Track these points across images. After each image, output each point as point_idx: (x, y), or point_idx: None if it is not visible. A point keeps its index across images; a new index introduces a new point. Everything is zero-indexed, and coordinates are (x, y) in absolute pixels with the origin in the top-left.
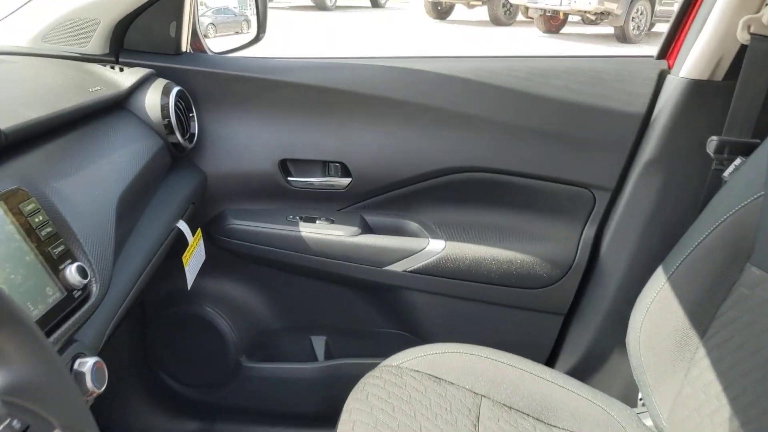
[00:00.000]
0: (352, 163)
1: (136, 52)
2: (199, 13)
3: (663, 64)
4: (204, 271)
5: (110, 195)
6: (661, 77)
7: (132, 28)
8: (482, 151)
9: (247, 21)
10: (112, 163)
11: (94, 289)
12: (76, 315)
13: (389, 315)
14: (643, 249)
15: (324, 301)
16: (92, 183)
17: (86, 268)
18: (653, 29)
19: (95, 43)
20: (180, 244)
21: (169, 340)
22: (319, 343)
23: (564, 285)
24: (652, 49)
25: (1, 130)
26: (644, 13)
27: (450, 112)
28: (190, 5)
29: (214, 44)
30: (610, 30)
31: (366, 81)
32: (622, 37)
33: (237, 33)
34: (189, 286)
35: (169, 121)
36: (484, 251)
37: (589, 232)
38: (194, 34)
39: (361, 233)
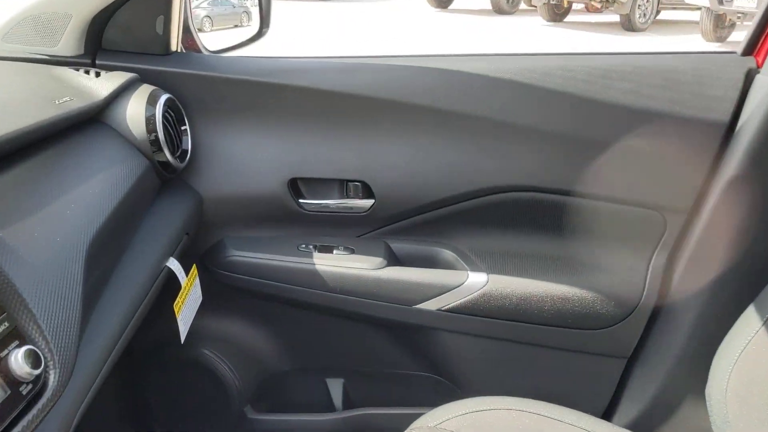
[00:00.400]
0: (375, 182)
1: (117, 53)
2: (192, 5)
3: (750, 61)
4: (201, 308)
5: (78, 239)
6: (749, 78)
7: (111, 25)
8: (531, 167)
9: (248, 13)
10: (83, 196)
11: (52, 378)
12: (26, 419)
13: (420, 357)
14: (726, 282)
15: (341, 340)
16: (53, 226)
17: (39, 353)
18: (659, 17)
19: (67, 43)
20: (173, 281)
21: (162, 391)
22: (336, 387)
23: (629, 324)
24: (663, 38)
25: None
26: None
27: (492, 121)
28: None
29: (210, 39)
30: (616, 18)
31: (391, 84)
32: (627, 25)
33: (236, 26)
34: (183, 338)
35: (156, 137)
36: (534, 286)
37: (659, 261)
38: (186, 29)
39: (387, 265)
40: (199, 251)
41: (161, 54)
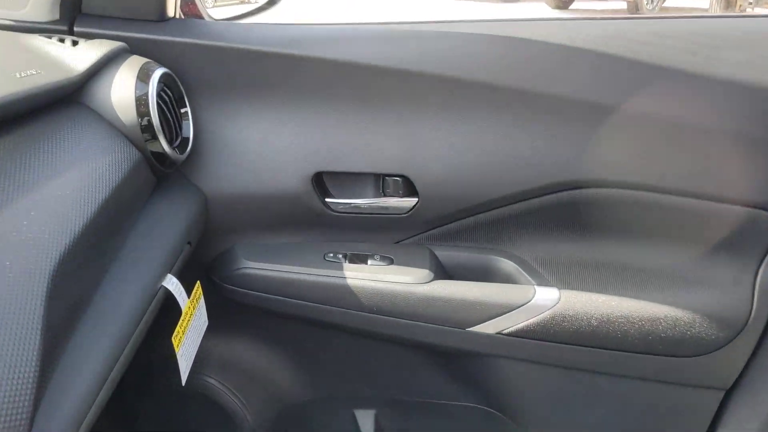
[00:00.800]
0: (419, 176)
1: (100, 18)
2: None
3: None
4: (206, 329)
5: (38, 262)
6: None
7: None
8: (615, 158)
9: None
10: (48, 200)
11: None
12: None
13: (469, 386)
14: None
15: (374, 365)
16: (3, 243)
17: None
18: (666, 3)
19: (37, 4)
20: (171, 302)
21: (157, 427)
22: (366, 420)
23: (732, 350)
24: None
25: None
26: None
27: (568, 100)
28: None
29: (213, 14)
30: (623, 5)
31: (440, 56)
32: (634, 10)
33: (242, 1)
34: (184, 379)
35: (150, 122)
36: (616, 305)
37: None
38: None
39: (434, 278)
40: (204, 262)
41: (155, 20)
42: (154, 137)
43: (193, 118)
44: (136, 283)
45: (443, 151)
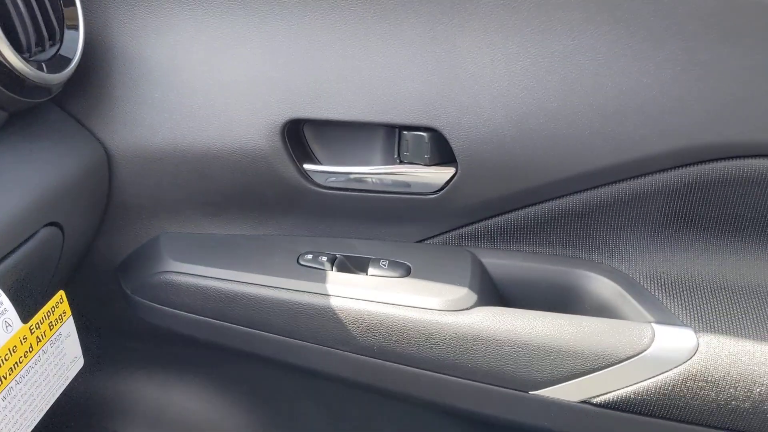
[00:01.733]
0: (459, 129)
1: None
2: None
3: None
4: (109, 363)
5: None
6: None
7: None
8: None
9: None
10: None
11: None
12: None
13: None
14: None
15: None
16: None
17: None
18: None
19: None
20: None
21: None
22: None
23: None
24: None
25: None
26: None
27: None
28: None
29: None
30: None
31: None
32: None
33: None
34: None
35: None
36: None
37: None
38: None
39: (478, 303)
40: (110, 262)
41: None
42: None
43: (86, 19)
44: None
45: (501, 87)
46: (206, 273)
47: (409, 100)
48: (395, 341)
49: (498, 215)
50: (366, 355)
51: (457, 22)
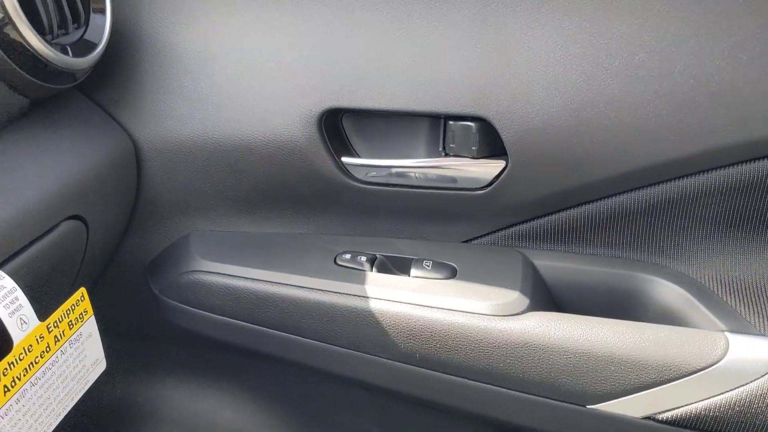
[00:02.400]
0: (510, 120)
1: None
2: None
3: None
4: (135, 366)
5: None
6: None
7: None
8: None
9: None
10: None
11: None
12: None
13: None
14: None
15: None
16: None
17: None
18: None
19: None
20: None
21: None
22: None
23: None
24: None
25: None
26: None
27: None
28: None
29: None
30: None
31: None
32: None
33: None
34: None
35: None
36: None
37: None
38: None
39: (530, 307)
40: (139, 259)
41: None
42: (8, 18)
43: (114, 2)
44: None
45: (556, 73)
46: (238, 273)
47: (456, 87)
48: (439, 348)
49: (552, 213)
50: (407, 363)
51: (508, 2)
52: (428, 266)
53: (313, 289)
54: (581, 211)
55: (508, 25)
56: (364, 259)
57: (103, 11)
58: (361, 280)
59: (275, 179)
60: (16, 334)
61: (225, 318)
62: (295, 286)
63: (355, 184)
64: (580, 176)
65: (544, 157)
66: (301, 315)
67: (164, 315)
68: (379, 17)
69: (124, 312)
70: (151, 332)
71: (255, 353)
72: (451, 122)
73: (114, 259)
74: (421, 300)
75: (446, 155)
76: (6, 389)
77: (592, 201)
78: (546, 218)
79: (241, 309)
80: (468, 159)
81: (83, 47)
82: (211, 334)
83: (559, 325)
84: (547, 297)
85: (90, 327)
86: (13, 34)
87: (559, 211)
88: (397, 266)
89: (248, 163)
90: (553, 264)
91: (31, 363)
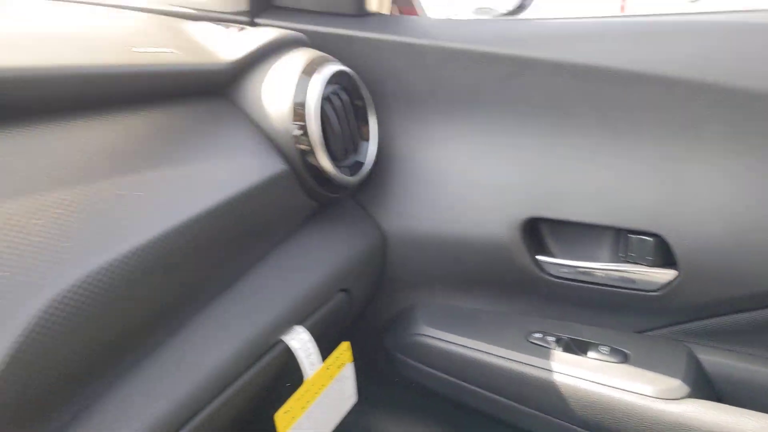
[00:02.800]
0: (682, 236)
1: (290, 11)
2: None
3: None
4: (366, 407)
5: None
6: None
7: None
8: None
9: None
10: (149, 186)
11: None
12: None
13: None
14: None
15: None
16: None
17: None
18: None
19: None
20: (290, 369)
21: None
22: None
23: None
24: None
25: None
26: None
27: None
28: None
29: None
30: None
31: (728, 59)
32: None
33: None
34: None
35: (306, 129)
36: None
37: None
38: None
39: (691, 394)
40: (375, 322)
41: (352, 14)
42: (312, 149)
43: (380, 133)
44: (241, 329)
45: (722, 203)
46: (451, 339)
47: (637, 208)
48: (610, 420)
49: (720, 315)
50: (583, 429)
51: (684, 144)
52: (605, 351)
53: (509, 359)
54: (745, 316)
55: (683, 162)
56: (552, 339)
57: (367, 139)
58: (549, 357)
59: (484, 268)
60: (310, 371)
61: (439, 373)
62: (495, 355)
63: (547, 277)
64: (743, 287)
65: (711, 270)
66: (498, 378)
67: (393, 366)
68: (577, 152)
69: (361, 360)
70: (380, 377)
71: (460, 404)
72: (631, 235)
73: (358, 320)
74: (597, 378)
75: (625, 261)
76: (302, 407)
77: (755, 309)
78: (714, 319)
79: (451, 367)
80: (643, 266)
81: (356, 167)
82: (427, 384)
83: (715, 413)
84: (710, 389)
85: (349, 370)
86: (313, 161)
87: (727, 314)
88: (579, 348)
89: (466, 255)
90: (717, 360)
91: (316, 391)
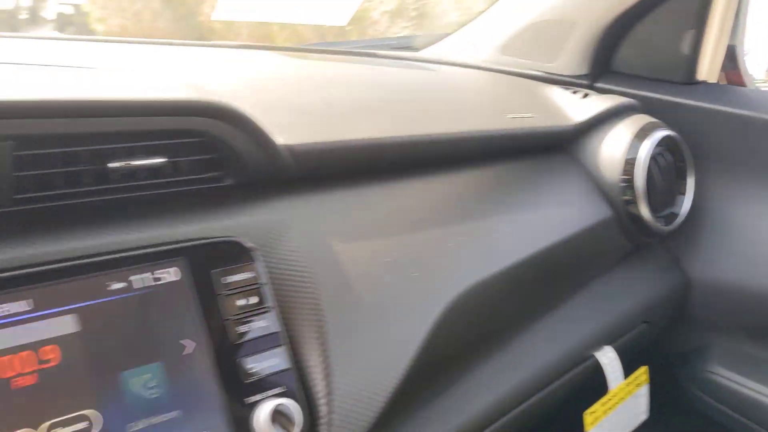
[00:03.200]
0: None
1: (627, 76)
2: (748, 22)
3: None
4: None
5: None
6: None
7: (627, 41)
8: None
9: None
10: (503, 224)
11: None
12: None
13: None
14: None
15: None
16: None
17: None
18: None
19: (567, 59)
20: (596, 381)
21: None
22: None
23: None
24: None
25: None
26: None
27: None
28: (727, 6)
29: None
30: None
31: None
32: None
33: None
34: None
35: (631, 182)
36: None
37: None
38: (731, 56)
39: None
40: (667, 351)
41: (681, 82)
42: (635, 200)
43: (696, 192)
44: (563, 341)
45: None
46: (744, 382)
47: None
48: None
49: None
50: None
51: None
52: None
53: None
54: None
55: None
56: None
57: (686, 188)
58: None
59: None
60: (612, 385)
61: (725, 409)
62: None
63: None
64: None
65: None
66: None
67: (680, 392)
68: None
69: (653, 383)
70: (667, 401)
71: None
72: None
73: (655, 348)
74: None
75: None
76: (605, 412)
77: None
78: None
79: (740, 408)
80: None
81: (670, 217)
82: (713, 417)
83: None
84: None
85: (644, 390)
86: (634, 210)
87: None
88: None
89: (762, 307)
90: None
91: (614, 403)
